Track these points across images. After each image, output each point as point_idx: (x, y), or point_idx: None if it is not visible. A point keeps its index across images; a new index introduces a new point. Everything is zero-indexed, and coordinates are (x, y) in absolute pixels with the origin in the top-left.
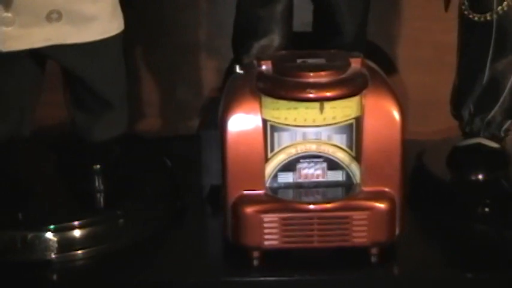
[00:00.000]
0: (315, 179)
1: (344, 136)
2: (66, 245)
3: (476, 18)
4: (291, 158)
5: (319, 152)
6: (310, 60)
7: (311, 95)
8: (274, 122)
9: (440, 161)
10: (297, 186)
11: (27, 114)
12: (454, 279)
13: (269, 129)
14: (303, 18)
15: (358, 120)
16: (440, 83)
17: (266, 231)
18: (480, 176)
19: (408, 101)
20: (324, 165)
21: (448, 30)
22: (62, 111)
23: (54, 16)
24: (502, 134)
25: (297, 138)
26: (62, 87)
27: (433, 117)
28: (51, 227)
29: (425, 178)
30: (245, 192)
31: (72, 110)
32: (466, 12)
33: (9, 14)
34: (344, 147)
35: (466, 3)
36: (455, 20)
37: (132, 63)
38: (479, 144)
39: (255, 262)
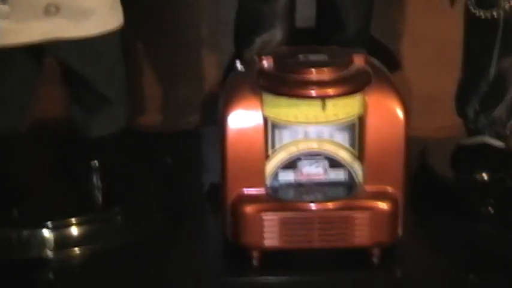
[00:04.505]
0: (316, 178)
1: (346, 134)
2: (63, 242)
3: (482, 15)
4: (292, 156)
5: (321, 150)
6: (312, 57)
7: (313, 92)
8: (275, 119)
9: (444, 159)
10: (297, 185)
11: (24, 110)
12: (456, 280)
13: (270, 126)
14: (305, 12)
15: (361, 118)
16: (445, 80)
17: (266, 230)
18: (484, 175)
19: (412, 97)
20: (326, 163)
21: (453, 27)
22: (60, 106)
23: (51, 9)
24: (507, 132)
25: (298, 136)
26: (59, 82)
27: (437, 114)
28: (48, 224)
29: (428, 177)
30: (245, 190)
31: (70, 106)
32: (471, 8)
33: (6, 6)
34: (346, 145)
35: None
36: (461, 17)
37: (133, 58)
38: (484, 143)
39: (255, 262)
